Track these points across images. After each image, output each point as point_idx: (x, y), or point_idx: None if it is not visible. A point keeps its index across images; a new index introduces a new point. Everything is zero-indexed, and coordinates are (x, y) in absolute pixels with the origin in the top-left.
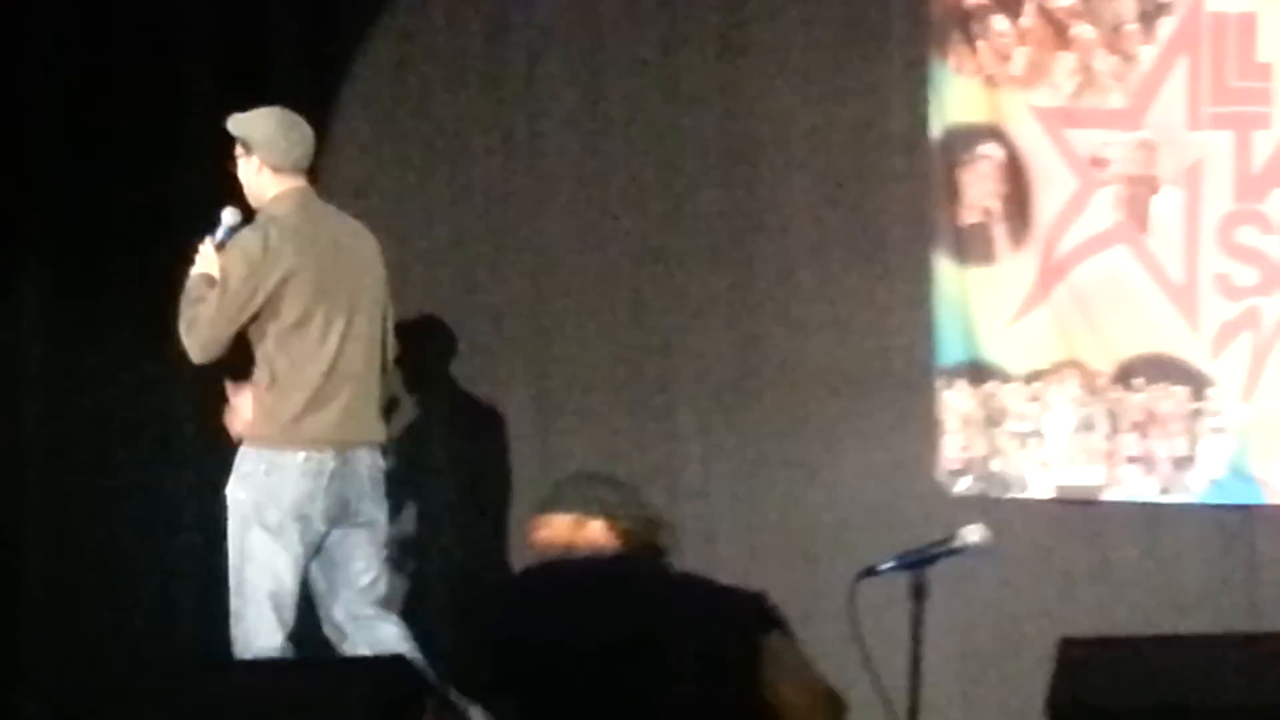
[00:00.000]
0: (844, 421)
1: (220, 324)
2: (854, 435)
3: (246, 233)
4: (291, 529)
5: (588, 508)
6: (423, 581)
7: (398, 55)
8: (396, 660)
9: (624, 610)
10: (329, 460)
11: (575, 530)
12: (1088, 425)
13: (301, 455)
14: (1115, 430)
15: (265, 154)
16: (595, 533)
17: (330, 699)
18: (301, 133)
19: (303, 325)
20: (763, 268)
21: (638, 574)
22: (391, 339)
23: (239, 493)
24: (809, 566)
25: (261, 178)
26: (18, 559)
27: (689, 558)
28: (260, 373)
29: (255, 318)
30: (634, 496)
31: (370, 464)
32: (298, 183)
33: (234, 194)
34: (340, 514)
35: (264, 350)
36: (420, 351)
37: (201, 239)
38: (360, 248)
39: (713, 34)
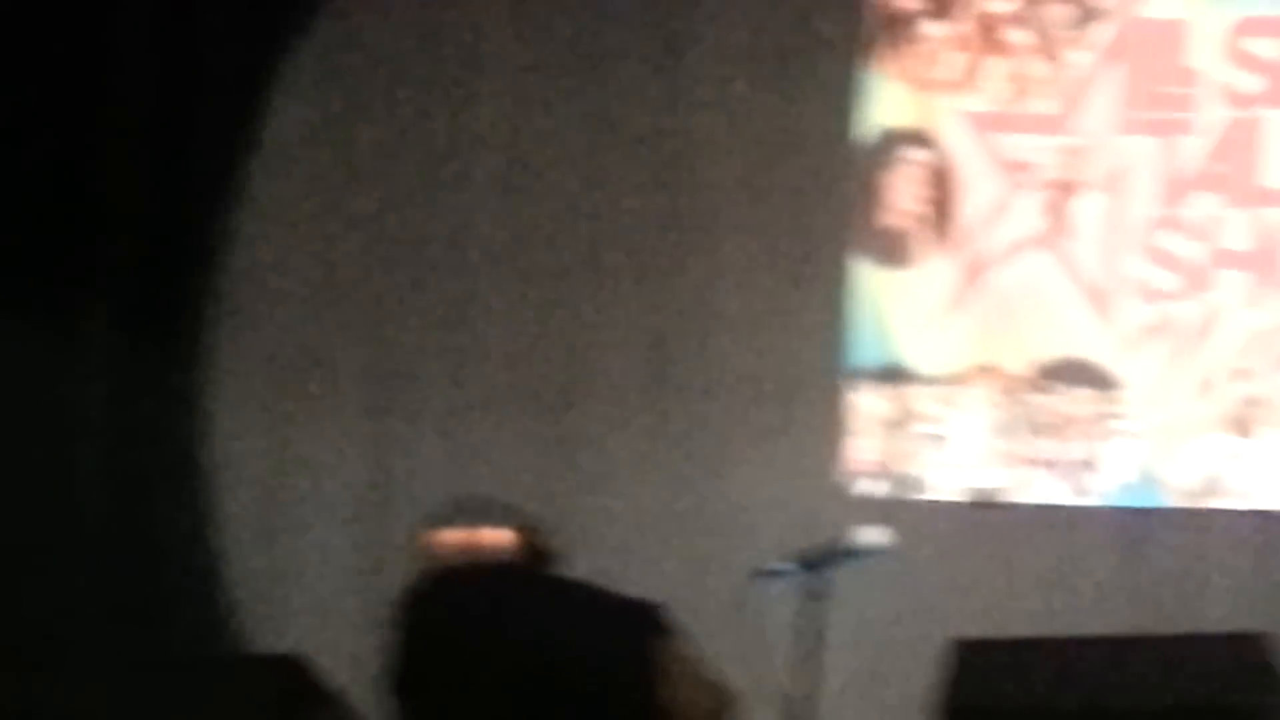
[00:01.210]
0: (756, 423)
1: None
2: (766, 437)
3: None
4: None
5: (480, 521)
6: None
7: (328, 63)
8: (288, 659)
9: (525, 619)
10: None
11: (473, 539)
12: (1001, 428)
13: None
14: (1028, 433)
15: None
16: (494, 539)
17: (223, 697)
18: None
19: None
20: (681, 269)
21: (539, 582)
22: None
23: None
24: (715, 568)
25: None
26: None
27: (594, 556)
28: None
29: None
30: (519, 512)
31: None
32: None
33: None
34: None
35: None
36: (330, 353)
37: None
38: None
39: (643, 38)
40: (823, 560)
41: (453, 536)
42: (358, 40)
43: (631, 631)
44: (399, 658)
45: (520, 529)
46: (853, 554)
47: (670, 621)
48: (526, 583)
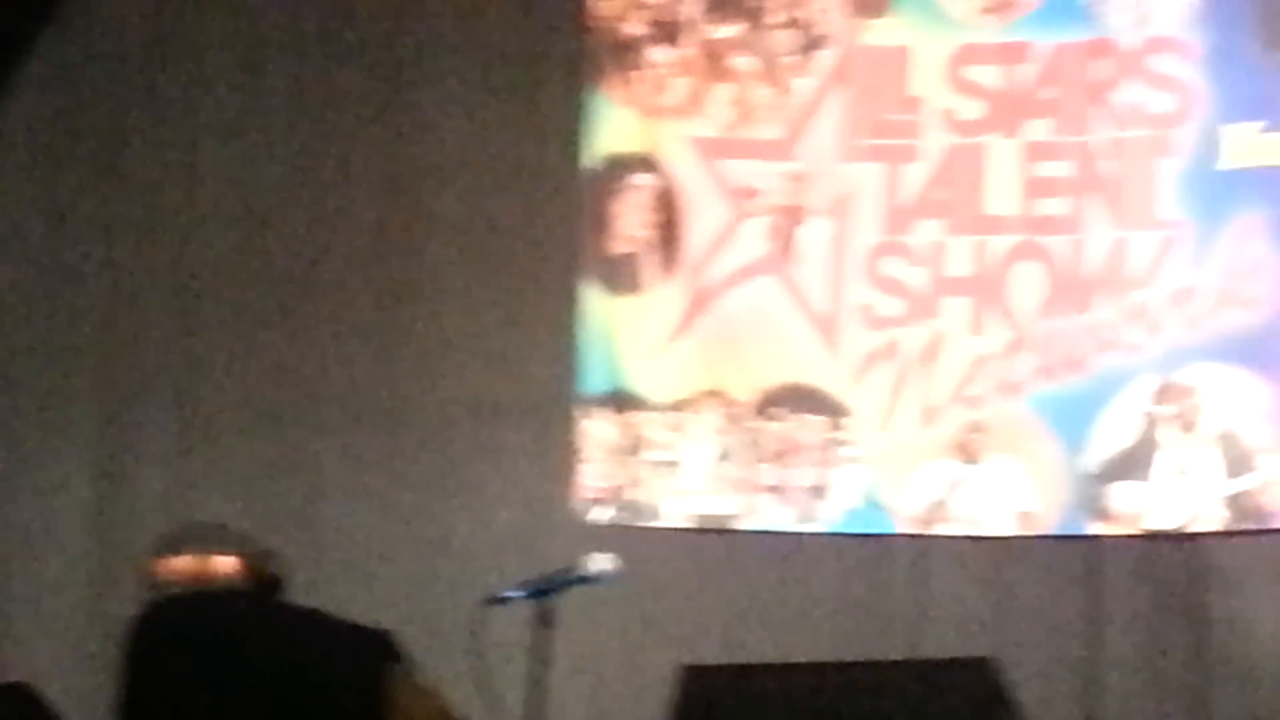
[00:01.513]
0: (488, 449)
1: None
2: (497, 463)
3: None
4: None
5: (208, 548)
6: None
7: (58, 69)
8: (17, 689)
9: (253, 646)
10: None
11: (201, 566)
12: (727, 454)
13: None
14: (754, 459)
15: None
16: (222, 565)
17: None
18: None
19: None
20: (412, 296)
21: (267, 609)
22: None
23: None
24: (445, 593)
25: None
26: None
27: (324, 583)
28: None
29: None
30: (248, 539)
31: None
32: None
33: None
34: None
35: None
36: (56, 382)
37: None
38: None
39: (373, 64)
40: (552, 586)
41: (180, 563)
42: (82, 76)
43: (361, 658)
44: (126, 686)
45: (249, 555)
46: (582, 580)
47: (400, 648)
48: (255, 610)
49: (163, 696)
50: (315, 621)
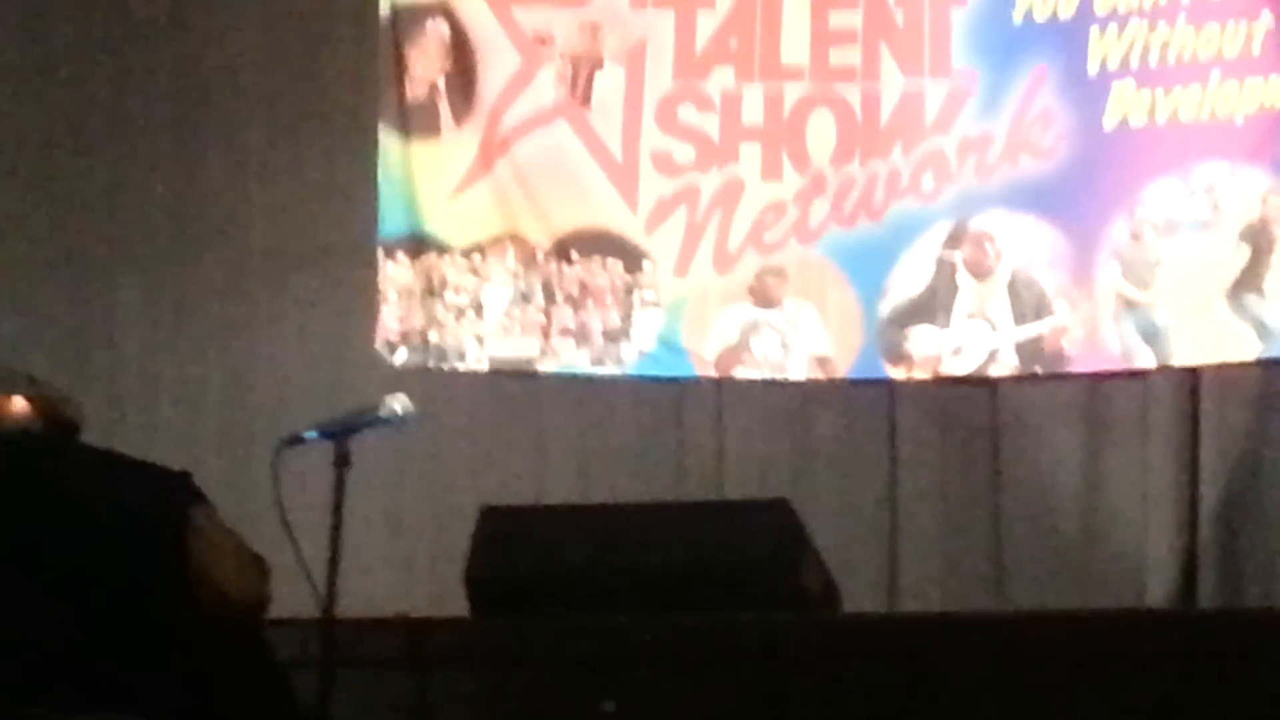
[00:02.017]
0: (287, 292)
1: None
2: (296, 306)
3: None
4: None
5: (2, 389)
6: None
7: None
8: None
9: (50, 488)
10: None
11: None
12: (524, 298)
13: None
14: (551, 303)
15: None
16: (18, 407)
17: None
18: None
19: None
20: (209, 139)
21: (65, 452)
22: None
23: None
24: (246, 436)
25: None
26: None
27: (128, 426)
28: None
29: None
30: (39, 379)
31: None
32: None
33: None
34: None
35: None
36: None
37: None
38: None
39: None
40: (348, 427)
41: None
42: None
43: (161, 499)
44: None
45: (43, 398)
46: (378, 421)
47: (198, 490)
48: (51, 451)
49: None
50: (114, 464)
